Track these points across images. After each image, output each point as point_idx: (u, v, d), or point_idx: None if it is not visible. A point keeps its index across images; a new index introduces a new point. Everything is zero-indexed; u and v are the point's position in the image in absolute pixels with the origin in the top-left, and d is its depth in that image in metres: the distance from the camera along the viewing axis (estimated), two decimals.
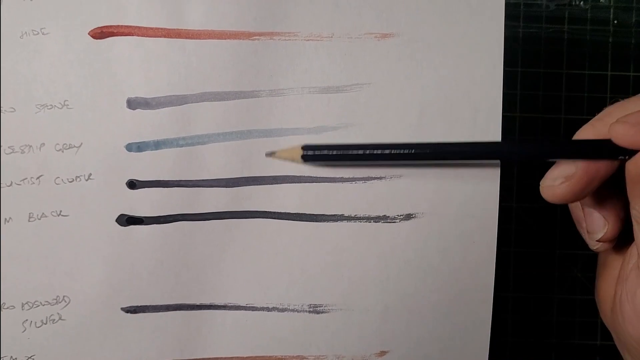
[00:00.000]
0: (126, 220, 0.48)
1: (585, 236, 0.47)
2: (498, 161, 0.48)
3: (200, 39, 0.48)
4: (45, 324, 0.49)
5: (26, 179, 0.48)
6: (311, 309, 0.50)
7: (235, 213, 0.49)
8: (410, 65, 0.48)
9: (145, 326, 0.49)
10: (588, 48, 0.63)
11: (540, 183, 0.44)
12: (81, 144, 0.48)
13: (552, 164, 0.44)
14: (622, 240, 0.46)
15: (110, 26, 0.48)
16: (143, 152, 0.48)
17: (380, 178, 0.49)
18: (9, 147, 0.48)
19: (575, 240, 0.61)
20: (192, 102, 0.48)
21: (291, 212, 0.49)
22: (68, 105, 0.48)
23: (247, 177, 0.49)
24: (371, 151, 0.46)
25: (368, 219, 0.49)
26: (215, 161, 0.48)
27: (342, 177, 0.49)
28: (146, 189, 0.48)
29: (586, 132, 0.44)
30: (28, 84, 0.48)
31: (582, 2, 0.63)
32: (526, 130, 0.63)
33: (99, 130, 0.48)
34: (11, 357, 0.49)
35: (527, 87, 0.63)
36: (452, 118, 0.49)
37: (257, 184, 0.49)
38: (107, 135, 0.48)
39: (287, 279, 0.49)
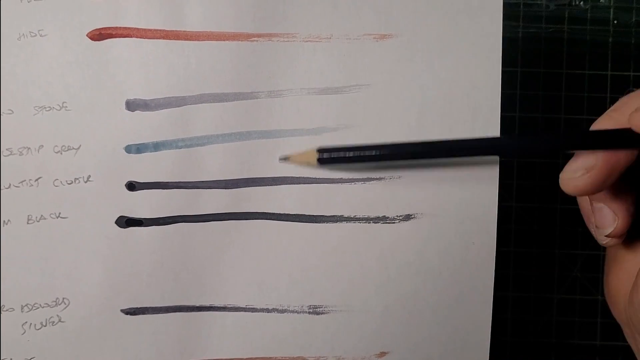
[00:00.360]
0: (125, 222, 0.48)
1: (594, 231, 0.46)
2: (497, 162, 0.49)
3: (199, 40, 0.48)
4: (44, 326, 0.49)
5: (25, 181, 0.48)
6: (311, 310, 0.50)
7: (235, 214, 0.49)
8: (409, 66, 0.49)
9: (145, 328, 0.49)
10: (588, 48, 0.64)
11: (560, 175, 0.44)
12: (80, 145, 0.48)
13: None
14: (631, 235, 0.46)
15: (109, 28, 0.48)
16: (142, 154, 0.48)
17: (379, 179, 0.49)
18: (7, 149, 0.48)
19: (575, 240, 0.62)
20: (191, 104, 0.48)
21: (290, 213, 0.49)
22: (66, 107, 0.48)
23: (247, 178, 0.49)
24: (387, 151, 0.46)
25: (367, 219, 0.49)
26: (215, 162, 0.49)
27: (341, 178, 0.49)
28: (145, 190, 0.48)
29: (604, 123, 0.43)
30: (26, 86, 0.48)
31: (582, 2, 0.63)
32: (526, 131, 0.63)
33: (97, 132, 0.48)
34: (11, 359, 0.49)
35: (527, 87, 0.63)
36: (451, 119, 0.49)
37: (256, 185, 0.49)
38: (106, 137, 0.48)
39: (287, 280, 0.50)
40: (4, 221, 0.48)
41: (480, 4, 0.48)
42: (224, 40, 0.48)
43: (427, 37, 0.49)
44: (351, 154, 0.46)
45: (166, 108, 0.48)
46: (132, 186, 0.48)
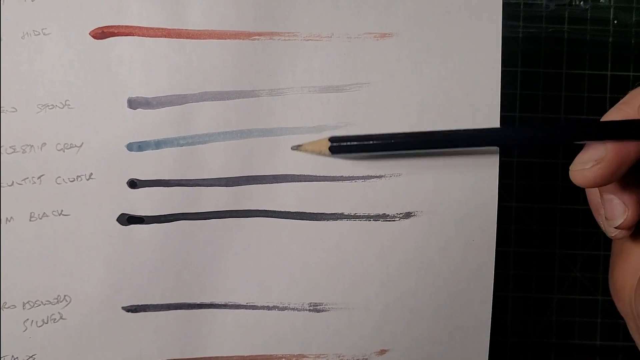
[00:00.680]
0: (127, 219, 0.49)
1: (604, 223, 0.46)
2: (497, 160, 0.49)
3: (200, 39, 0.48)
4: (46, 323, 0.49)
5: (27, 178, 0.48)
6: (311, 308, 0.50)
7: (236, 212, 0.49)
8: (409, 65, 0.49)
9: (146, 325, 0.50)
10: (588, 48, 0.64)
11: (570, 167, 0.44)
12: (82, 143, 0.48)
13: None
14: (638, 229, 0.46)
15: (111, 26, 0.48)
16: (144, 152, 0.49)
17: (380, 177, 0.49)
18: (10, 147, 0.48)
19: (575, 240, 0.62)
20: (192, 102, 0.48)
21: (291, 211, 0.50)
22: (69, 105, 0.48)
23: (248, 176, 0.49)
24: (398, 140, 0.46)
25: (368, 217, 0.50)
26: (216, 160, 0.49)
27: (342, 176, 0.49)
28: (147, 188, 0.49)
29: (614, 115, 0.43)
30: (29, 84, 0.48)
31: (582, 2, 0.63)
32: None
33: (100, 129, 0.48)
34: (12, 356, 0.49)
35: (527, 87, 0.63)
36: (450, 117, 0.49)
37: (257, 183, 0.49)
38: (108, 135, 0.48)
39: (288, 277, 0.50)
40: (7, 218, 0.48)
41: (480, 2, 0.49)
42: (225, 38, 0.48)
43: (427, 35, 0.49)
44: (363, 142, 0.47)
45: (168, 106, 0.48)
46: (133, 184, 0.49)
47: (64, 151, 0.48)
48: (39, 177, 0.48)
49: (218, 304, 0.50)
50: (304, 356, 0.50)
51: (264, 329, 0.50)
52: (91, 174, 0.49)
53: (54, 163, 0.48)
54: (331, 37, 0.49)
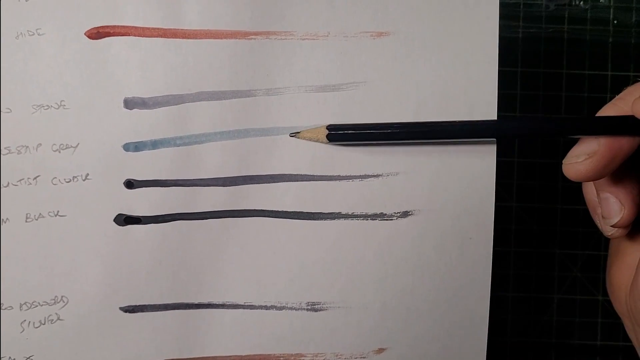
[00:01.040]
0: (124, 219, 0.49)
1: (600, 222, 0.47)
2: (494, 156, 0.49)
3: (196, 38, 0.49)
4: (43, 324, 0.49)
5: (23, 179, 0.48)
6: (309, 307, 0.50)
7: (233, 212, 0.50)
8: (406, 64, 0.49)
9: (144, 325, 0.50)
10: (588, 48, 0.64)
11: (563, 161, 0.44)
12: (78, 144, 0.49)
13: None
14: (636, 227, 0.46)
15: (107, 26, 0.48)
16: (140, 152, 0.49)
17: (377, 176, 0.50)
18: (5, 148, 0.48)
19: (575, 240, 0.62)
20: (189, 102, 0.49)
21: (289, 210, 0.50)
22: (65, 105, 0.48)
23: (245, 176, 0.49)
24: (397, 130, 0.47)
25: (365, 216, 0.50)
26: (213, 160, 0.49)
27: (339, 175, 0.50)
28: (144, 188, 0.49)
29: (608, 110, 0.44)
30: (24, 85, 0.48)
31: (582, 2, 0.64)
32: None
33: (96, 130, 0.49)
34: (10, 357, 0.49)
35: (527, 87, 0.64)
36: (447, 115, 0.49)
37: (254, 183, 0.49)
38: (104, 135, 0.49)
39: (285, 277, 0.50)
40: (3, 220, 0.49)
41: (476, 1, 0.49)
42: (221, 38, 0.49)
43: (423, 34, 0.49)
44: (360, 131, 0.47)
45: (164, 106, 0.49)
46: (130, 184, 0.49)
47: (59, 152, 0.48)
48: (35, 178, 0.49)
49: (216, 304, 0.50)
50: (302, 355, 0.51)
51: (262, 329, 0.50)
52: (87, 174, 0.49)
53: (50, 164, 0.49)
54: (327, 36, 0.49)
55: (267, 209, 0.50)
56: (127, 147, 0.49)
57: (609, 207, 0.45)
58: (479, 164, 0.49)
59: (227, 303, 0.50)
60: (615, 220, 0.45)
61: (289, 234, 0.50)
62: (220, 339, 0.50)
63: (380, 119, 0.49)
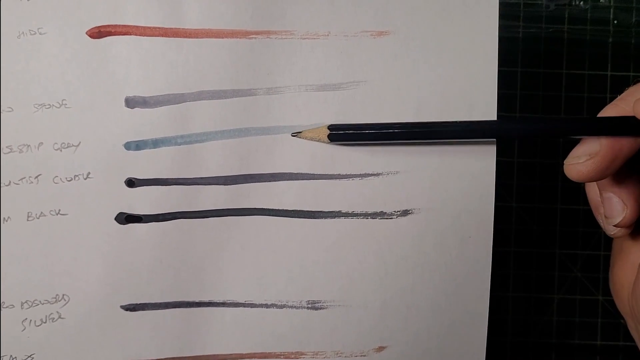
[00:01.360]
0: (125, 218, 0.49)
1: (603, 222, 0.47)
2: (493, 155, 0.49)
3: (197, 38, 0.49)
4: (44, 322, 0.50)
5: (25, 178, 0.49)
6: (309, 305, 0.51)
7: (234, 210, 0.50)
8: (406, 63, 0.50)
9: (145, 324, 0.50)
10: (588, 48, 0.64)
11: (565, 162, 0.45)
12: (79, 142, 0.49)
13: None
14: (638, 227, 0.46)
15: (108, 26, 0.49)
16: (141, 151, 0.49)
17: (377, 174, 0.50)
18: (7, 147, 0.49)
19: (575, 240, 0.63)
20: (190, 101, 0.49)
21: (289, 209, 0.50)
22: (66, 104, 0.49)
23: (245, 174, 0.50)
24: (398, 130, 0.48)
25: (365, 215, 0.50)
26: (214, 159, 0.49)
27: (339, 174, 0.50)
28: (145, 187, 0.49)
29: (610, 111, 0.44)
30: (26, 84, 0.49)
31: (582, 2, 0.64)
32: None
33: (97, 129, 0.49)
34: (11, 356, 0.49)
35: (527, 87, 0.64)
36: (448, 115, 0.50)
37: (255, 182, 0.50)
38: (106, 134, 0.49)
39: (286, 275, 0.51)
40: (4, 218, 0.49)
41: (476, 1, 0.49)
42: (222, 37, 0.49)
43: (423, 33, 0.50)
44: (361, 132, 0.48)
45: (165, 105, 0.49)
46: (131, 183, 0.49)
47: (61, 150, 0.49)
48: (37, 177, 0.49)
49: (216, 302, 0.50)
50: (302, 354, 0.51)
51: (262, 327, 0.51)
52: (89, 173, 0.49)
53: (51, 162, 0.49)
54: (328, 35, 0.50)
55: (267, 207, 0.50)
56: (128, 146, 0.49)
57: (611, 207, 0.46)
58: (479, 163, 0.50)
59: (228, 301, 0.50)
60: (618, 219, 0.45)
61: (289, 233, 0.50)
62: (221, 337, 0.51)
63: (381, 118, 0.50)
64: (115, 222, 0.50)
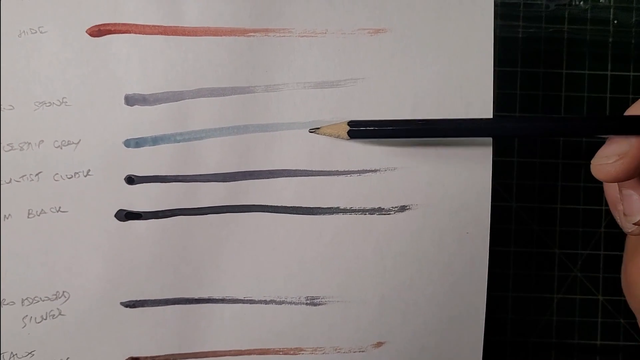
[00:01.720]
0: (125, 215, 0.50)
1: (621, 218, 0.47)
2: (490, 153, 0.50)
3: (196, 36, 0.50)
4: (45, 319, 0.50)
5: (25, 175, 0.50)
6: (308, 302, 0.51)
7: (233, 207, 0.51)
8: (403, 60, 0.51)
9: (145, 320, 0.51)
10: (588, 48, 0.64)
11: (592, 162, 0.44)
12: (80, 140, 0.50)
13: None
14: None
15: (108, 24, 0.50)
16: (141, 148, 0.50)
17: (374, 171, 0.51)
18: (8, 145, 0.50)
19: (575, 240, 0.63)
20: (189, 98, 0.50)
21: (288, 205, 0.51)
22: (66, 102, 0.50)
23: (244, 171, 0.51)
24: (419, 127, 0.48)
25: (363, 211, 0.51)
26: (213, 156, 0.50)
27: (337, 170, 0.51)
28: (144, 184, 0.50)
29: (637, 109, 0.44)
30: (27, 82, 0.50)
31: (582, 2, 0.64)
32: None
33: (97, 126, 0.50)
34: (11, 352, 0.50)
35: (526, 87, 0.64)
36: (444, 112, 0.50)
37: (253, 178, 0.51)
38: (106, 132, 0.50)
39: (284, 271, 0.51)
40: (5, 215, 0.50)
41: None
42: (221, 35, 0.50)
43: (420, 31, 0.50)
44: (381, 128, 0.49)
45: (164, 103, 0.50)
46: (131, 180, 0.50)
47: (61, 148, 0.50)
48: (37, 174, 0.50)
49: (216, 299, 0.51)
50: (301, 350, 0.52)
51: (262, 323, 0.51)
52: (89, 170, 0.50)
53: (52, 160, 0.50)
54: (326, 33, 0.50)
55: (266, 204, 0.51)
56: (127, 144, 0.50)
57: (631, 205, 0.46)
58: (476, 159, 0.51)
59: (227, 298, 0.51)
60: (637, 217, 0.45)
61: (288, 229, 0.51)
62: (220, 333, 0.51)
63: (378, 115, 0.50)
64: (115, 219, 0.50)
